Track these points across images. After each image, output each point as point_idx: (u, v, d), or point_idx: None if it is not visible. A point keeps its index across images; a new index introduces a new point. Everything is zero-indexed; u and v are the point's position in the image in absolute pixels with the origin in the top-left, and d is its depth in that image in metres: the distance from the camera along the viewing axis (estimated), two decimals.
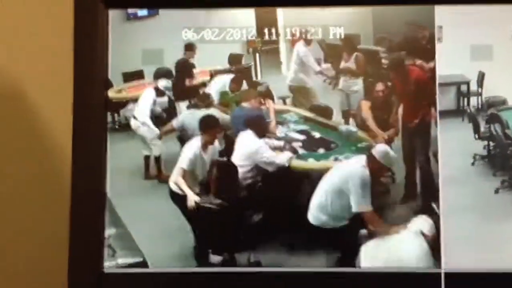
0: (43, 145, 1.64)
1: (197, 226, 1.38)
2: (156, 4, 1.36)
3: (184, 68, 1.41)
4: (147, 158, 1.42)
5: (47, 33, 1.62)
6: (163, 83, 1.42)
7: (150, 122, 1.44)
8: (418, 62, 1.36)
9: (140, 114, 1.44)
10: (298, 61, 1.44)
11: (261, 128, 1.42)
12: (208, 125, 1.42)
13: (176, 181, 1.39)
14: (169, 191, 1.39)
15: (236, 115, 1.42)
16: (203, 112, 1.42)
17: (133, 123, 1.43)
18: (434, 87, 1.33)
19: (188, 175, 1.40)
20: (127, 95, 1.41)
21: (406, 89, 1.38)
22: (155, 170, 1.43)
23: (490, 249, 1.30)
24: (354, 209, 1.36)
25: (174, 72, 1.39)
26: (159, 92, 1.44)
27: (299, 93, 1.45)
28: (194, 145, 1.41)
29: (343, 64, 1.44)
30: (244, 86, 1.44)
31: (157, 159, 1.45)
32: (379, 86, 1.39)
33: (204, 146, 1.42)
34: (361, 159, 1.36)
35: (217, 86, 1.44)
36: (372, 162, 1.36)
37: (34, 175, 1.63)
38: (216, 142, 1.42)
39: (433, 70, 1.33)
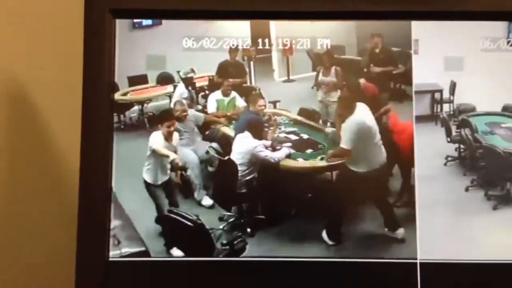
0: (54, 144, 1.72)
1: None
2: (159, 15, 1.42)
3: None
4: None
5: (59, 41, 1.72)
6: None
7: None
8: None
9: None
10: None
11: (259, 132, 1.47)
12: (163, 118, 1.46)
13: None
14: None
15: (241, 118, 1.48)
16: None
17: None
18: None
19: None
20: (132, 97, 1.47)
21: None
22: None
23: (462, 241, 1.38)
24: None
25: (178, 77, 1.46)
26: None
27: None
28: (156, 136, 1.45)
29: (322, 78, 1.50)
30: (233, 94, 1.49)
31: None
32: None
33: (167, 137, 1.46)
34: None
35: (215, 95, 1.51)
36: None
37: (45, 172, 1.71)
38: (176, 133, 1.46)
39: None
